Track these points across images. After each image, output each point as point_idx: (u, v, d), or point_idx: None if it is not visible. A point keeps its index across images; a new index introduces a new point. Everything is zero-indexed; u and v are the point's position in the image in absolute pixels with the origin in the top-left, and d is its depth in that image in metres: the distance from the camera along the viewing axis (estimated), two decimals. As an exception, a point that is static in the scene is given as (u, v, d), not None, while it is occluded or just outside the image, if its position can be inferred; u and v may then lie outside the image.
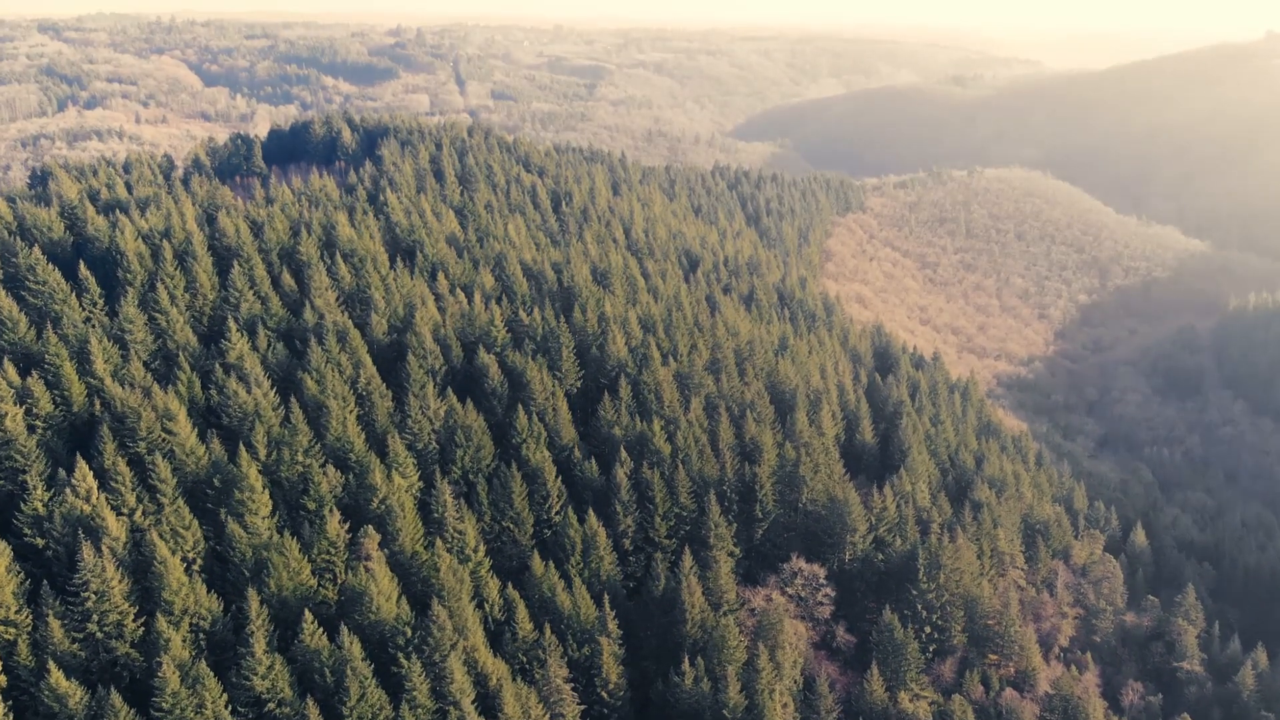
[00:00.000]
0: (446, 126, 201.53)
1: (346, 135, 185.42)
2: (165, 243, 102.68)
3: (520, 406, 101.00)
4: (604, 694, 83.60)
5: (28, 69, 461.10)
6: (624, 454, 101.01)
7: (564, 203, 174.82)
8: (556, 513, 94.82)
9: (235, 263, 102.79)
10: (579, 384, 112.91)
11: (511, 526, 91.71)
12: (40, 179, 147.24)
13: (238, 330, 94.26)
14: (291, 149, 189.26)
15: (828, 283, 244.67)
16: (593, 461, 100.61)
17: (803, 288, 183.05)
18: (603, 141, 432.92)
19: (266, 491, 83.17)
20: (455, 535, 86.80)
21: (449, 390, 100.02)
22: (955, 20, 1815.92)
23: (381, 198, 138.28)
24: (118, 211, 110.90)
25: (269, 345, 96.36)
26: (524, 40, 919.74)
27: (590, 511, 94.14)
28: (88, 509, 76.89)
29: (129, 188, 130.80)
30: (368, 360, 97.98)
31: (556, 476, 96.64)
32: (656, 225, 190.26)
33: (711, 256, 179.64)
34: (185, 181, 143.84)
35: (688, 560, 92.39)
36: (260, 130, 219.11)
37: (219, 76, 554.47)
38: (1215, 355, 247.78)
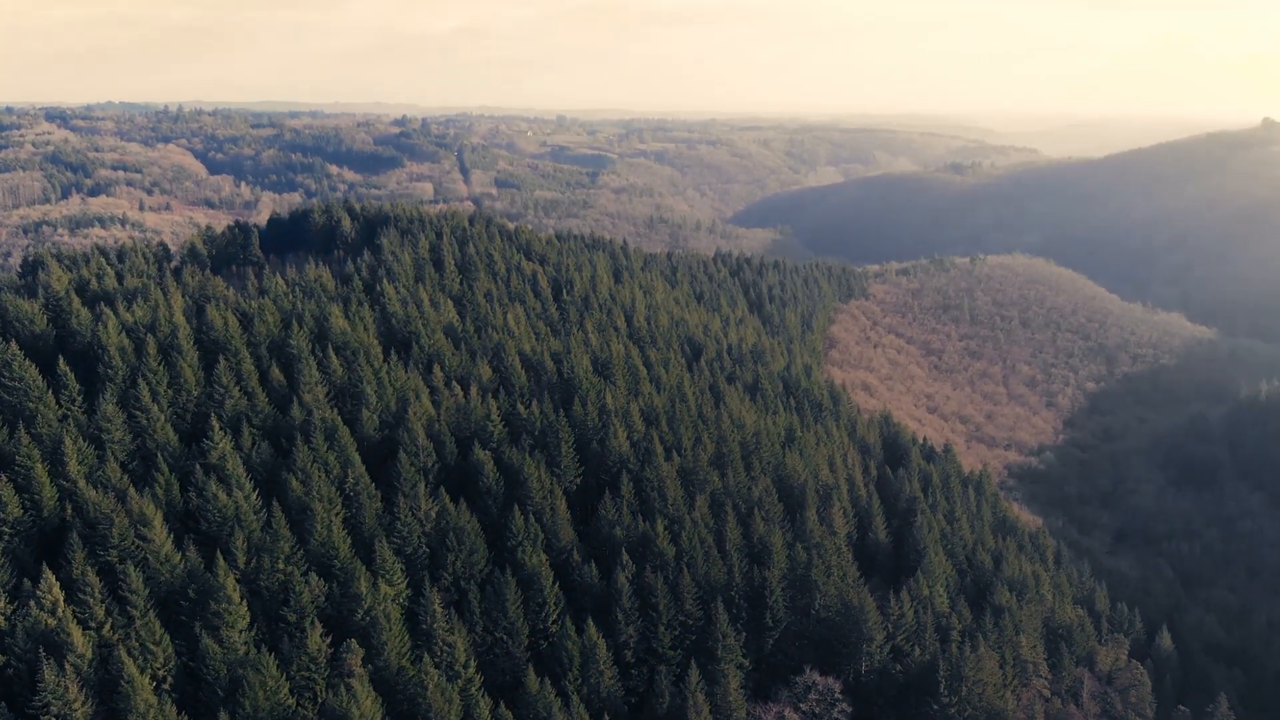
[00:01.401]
0: (447, 215, 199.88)
1: (346, 224, 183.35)
2: (150, 336, 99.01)
3: (516, 506, 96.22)
4: (604, 825, 77.23)
5: (33, 156, 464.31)
6: (625, 556, 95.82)
7: (565, 291, 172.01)
8: (554, 622, 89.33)
9: (222, 357, 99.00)
10: (578, 480, 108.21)
11: (505, 638, 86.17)
12: (31, 268, 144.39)
13: (221, 428, 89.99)
14: (290, 237, 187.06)
15: (832, 370, 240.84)
16: (592, 565, 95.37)
17: (808, 376, 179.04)
18: (605, 228, 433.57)
19: (244, 602, 78.18)
20: (444, 649, 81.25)
21: (441, 489, 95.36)
22: (951, 109, 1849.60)
23: (379, 287, 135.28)
24: (102, 304, 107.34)
25: (253, 444, 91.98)
26: (527, 130, 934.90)
27: (590, 621, 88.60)
28: (52, 622, 72.01)
29: (120, 278, 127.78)
30: (356, 459, 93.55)
31: (554, 582, 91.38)
32: (659, 313, 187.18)
33: (715, 344, 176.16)
34: (177, 271, 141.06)
35: (694, 674, 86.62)
36: (264, 218, 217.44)
37: (224, 164, 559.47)
38: (1229, 445, 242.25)
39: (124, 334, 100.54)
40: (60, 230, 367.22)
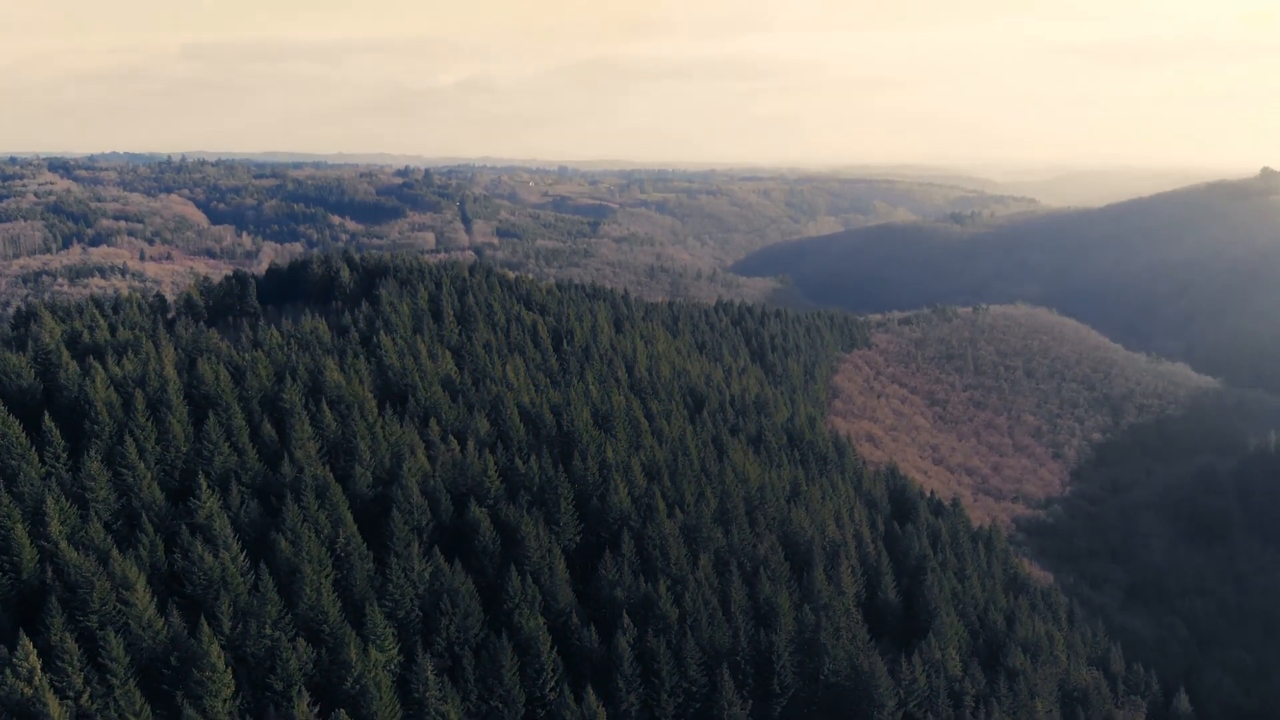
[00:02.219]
0: (447, 265, 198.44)
1: (345, 274, 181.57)
2: (139, 390, 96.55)
3: (513, 566, 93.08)
4: None
5: (35, 206, 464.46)
6: (627, 619, 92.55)
7: (565, 341, 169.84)
8: (552, 689, 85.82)
9: (212, 412, 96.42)
10: (578, 539, 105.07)
11: (501, 706, 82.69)
12: (24, 319, 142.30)
13: (209, 487, 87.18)
14: (289, 288, 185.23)
15: (836, 420, 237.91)
16: (592, 628, 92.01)
17: (812, 428, 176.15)
18: (605, 277, 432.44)
19: (229, 670, 74.87)
20: (437, 718, 77.74)
21: (435, 549, 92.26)
22: (950, 160, 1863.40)
23: (376, 339, 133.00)
24: (91, 357, 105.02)
25: (242, 502, 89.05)
26: (529, 181, 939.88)
27: (589, 688, 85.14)
28: (29, 691, 68.76)
29: (112, 330, 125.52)
30: (348, 517, 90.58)
31: (552, 647, 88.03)
32: (660, 363, 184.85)
33: (717, 395, 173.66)
34: (171, 323, 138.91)
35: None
36: (266, 268, 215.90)
37: (226, 215, 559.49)
38: (1239, 497, 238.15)
39: (112, 388, 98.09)
40: (60, 280, 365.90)
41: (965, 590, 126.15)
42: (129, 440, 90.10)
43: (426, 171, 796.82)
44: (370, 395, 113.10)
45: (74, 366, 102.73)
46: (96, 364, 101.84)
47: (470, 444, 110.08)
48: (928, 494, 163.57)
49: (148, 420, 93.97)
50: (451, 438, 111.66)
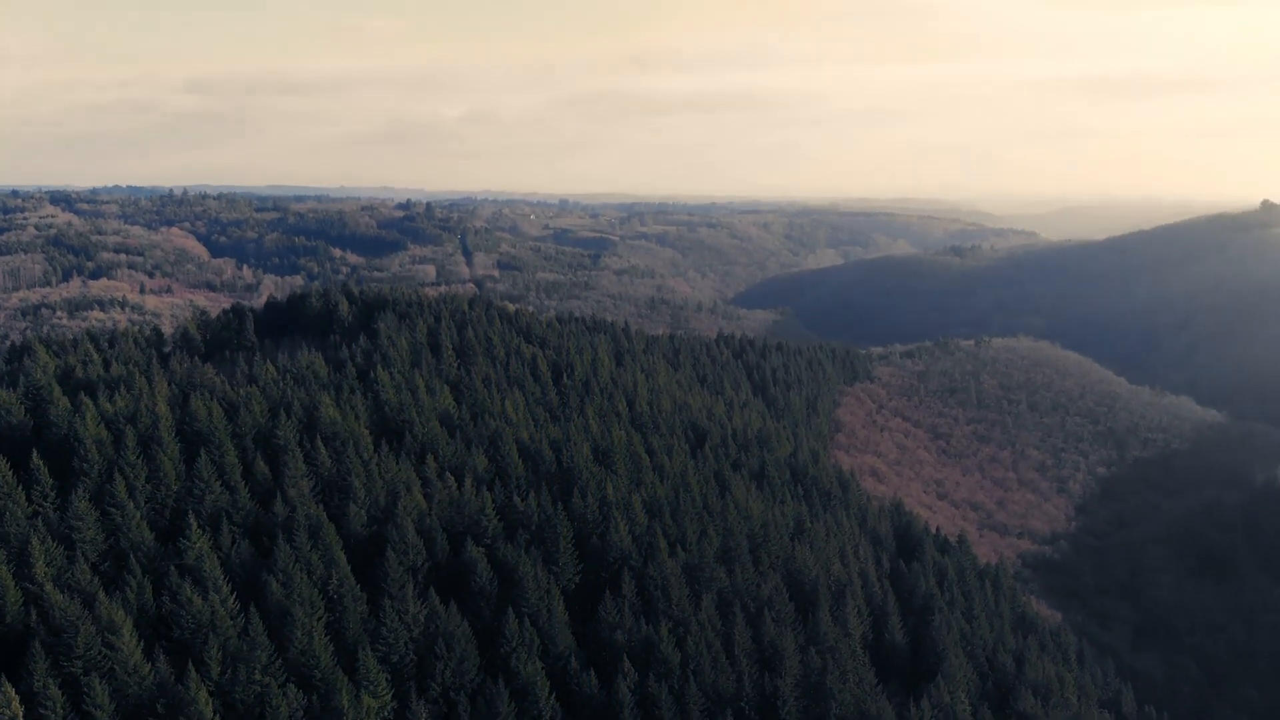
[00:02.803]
0: (447, 298, 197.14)
1: (344, 308, 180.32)
2: (129, 427, 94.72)
3: (511, 608, 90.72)
4: None
5: (35, 239, 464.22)
6: (627, 663, 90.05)
7: (565, 375, 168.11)
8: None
9: (203, 450, 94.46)
10: (577, 579, 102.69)
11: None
12: (18, 354, 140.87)
13: (199, 526, 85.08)
14: (287, 322, 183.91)
15: (839, 454, 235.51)
16: (592, 673, 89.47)
17: (815, 462, 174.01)
18: (606, 310, 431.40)
19: (218, 717, 72.47)
20: (432, 768, 75.22)
21: (431, 590, 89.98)
22: (949, 193, 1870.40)
23: (373, 374, 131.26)
24: (83, 393, 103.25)
25: (233, 543, 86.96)
26: (530, 214, 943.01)
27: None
28: (9, 739, 66.39)
29: (106, 365, 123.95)
30: (341, 558, 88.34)
31: (550, 692, 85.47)
32: (661, 397, 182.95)
33: (719, 429, 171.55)
34: (167, 358, 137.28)
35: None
36: (266, 301, 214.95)
37: (227, 247, 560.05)
38: (1247, 533, 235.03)
39: (103, 425, 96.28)
40: (59, 313, 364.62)
41: (973, 630, 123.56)
42: (118, 478, 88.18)
43: (428, 204, 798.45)
44: (366, 431, 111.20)
45: (65, 403, 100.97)
46: (88, 400, 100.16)
47: (468, 481, 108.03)
48: (933, 530, 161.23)
49: (138, 458, 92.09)
50: (448, 474, 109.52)
